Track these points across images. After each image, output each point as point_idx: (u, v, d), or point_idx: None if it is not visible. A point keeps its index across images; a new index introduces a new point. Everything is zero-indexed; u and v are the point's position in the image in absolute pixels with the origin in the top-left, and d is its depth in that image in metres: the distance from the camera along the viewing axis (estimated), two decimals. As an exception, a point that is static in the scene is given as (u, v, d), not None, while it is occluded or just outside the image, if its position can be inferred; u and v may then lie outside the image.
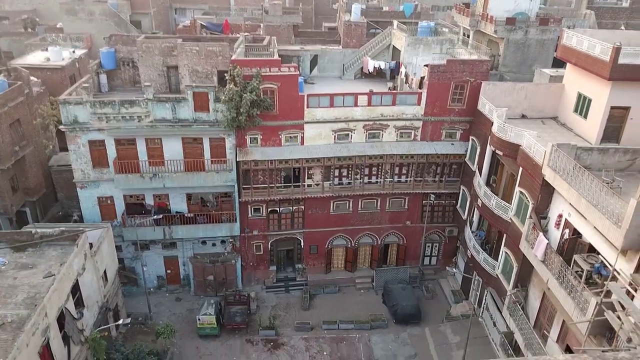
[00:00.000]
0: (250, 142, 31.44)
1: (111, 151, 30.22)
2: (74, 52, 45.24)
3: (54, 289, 22.29)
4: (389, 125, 32.28)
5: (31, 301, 21.69)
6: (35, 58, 43.16)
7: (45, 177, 36.99)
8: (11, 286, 22.82)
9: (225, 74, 29.95)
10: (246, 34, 38.62)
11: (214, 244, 34.08)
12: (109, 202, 31.79)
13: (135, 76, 34.91)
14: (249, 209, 33.41)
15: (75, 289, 24.74)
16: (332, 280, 36.43)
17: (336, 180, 33.48)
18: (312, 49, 39.67)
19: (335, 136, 32.12)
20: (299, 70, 31.91)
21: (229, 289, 34.68)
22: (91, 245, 27.08)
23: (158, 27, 59.81)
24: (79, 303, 25.17)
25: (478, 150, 31.02)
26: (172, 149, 30.65)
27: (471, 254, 30.93)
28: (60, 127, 29.88)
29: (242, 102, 29.04)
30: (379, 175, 33.77)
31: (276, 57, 32.34)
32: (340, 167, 33.25)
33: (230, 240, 34.03)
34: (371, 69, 37.43)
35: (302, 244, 35.60)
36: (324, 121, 31.59)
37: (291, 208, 34.09)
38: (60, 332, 22.75)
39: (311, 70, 38.74)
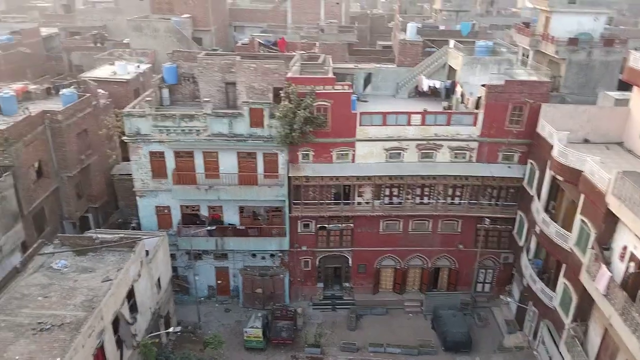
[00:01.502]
0: (302, 158, 31.77)
1: (170, 163, 31.36)
2: (138, 66, 47.51)
3: (111, 294, 23.21)
4: (442, 146, 31.76)
5: (89, 304, 22.66)
6: (103, 72, 45.64)
7: (107, 185, 38.77)
8: (71, 288, 23.96)
9: (281, 91, 30.55)
10: (302, 52, 39.31)
11: (263, 257, 34.48)
12: (166, 211, 32.89)
13: (195, 91, 36.21)
14: (299, 224, 33.62)
15: (131, 295, 25.64)
16: (380, 302, 35.84)
17: (387, 200, 33.15)
18: (366, 67, 39.78)
19: (387, 155, 31.92)
20: (352, 88, 32.05)
21: (276, 303, 34.88)
22: (147, 252, 28.05)
23: (218, 44, 61.80)
24: (133, 308, 26.02)
25: (537, 174, 29.91)
26: (228, 162, 31.43)
27: (527, 283, 29.67)
28: (124, 138, 31.34)
29: (295, 118, 29.49)
30: (432, 196, 33.14)
31: (330, 75, 32.68)
32: (392, 186, 32.91)
33: (279, 254, 34.33)
34: (426, 88, 37.06)
35: (350, 262, 35.35)
36: (376, 139, 31.49)
37: (340, 225, 34.00)
38: (115, 335, 23.57)
39: (364, 88, 38.83)
